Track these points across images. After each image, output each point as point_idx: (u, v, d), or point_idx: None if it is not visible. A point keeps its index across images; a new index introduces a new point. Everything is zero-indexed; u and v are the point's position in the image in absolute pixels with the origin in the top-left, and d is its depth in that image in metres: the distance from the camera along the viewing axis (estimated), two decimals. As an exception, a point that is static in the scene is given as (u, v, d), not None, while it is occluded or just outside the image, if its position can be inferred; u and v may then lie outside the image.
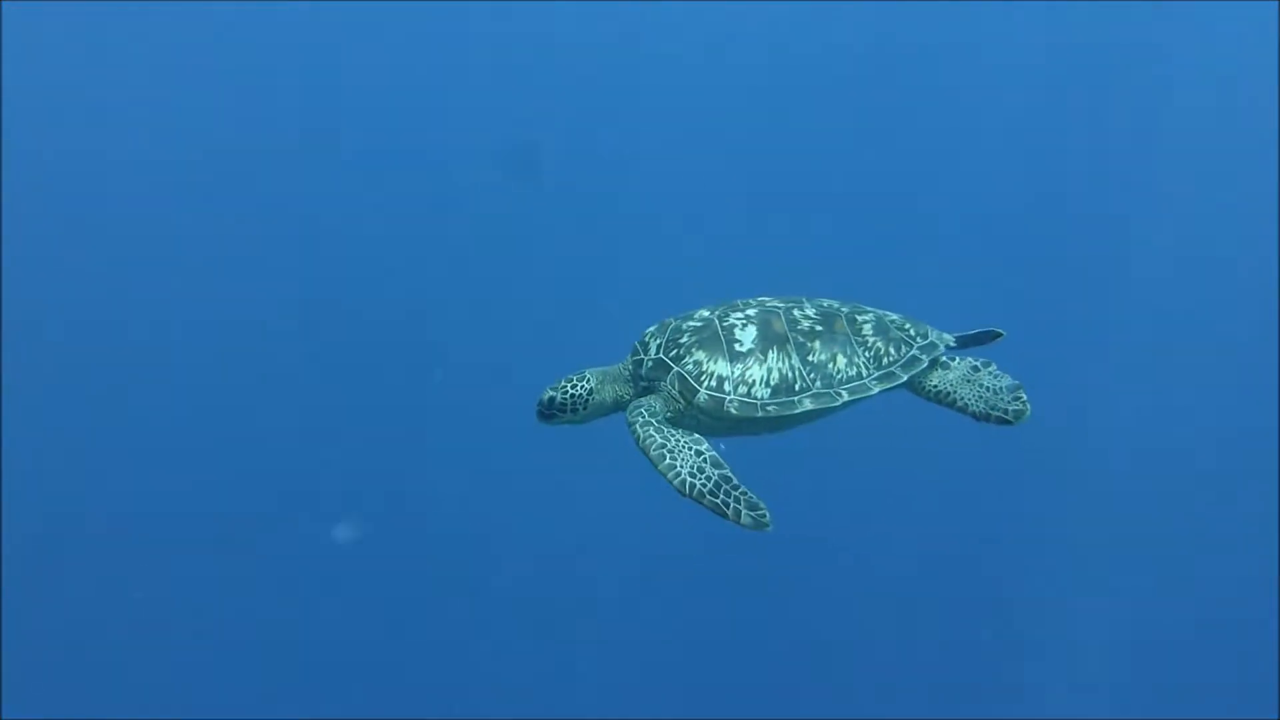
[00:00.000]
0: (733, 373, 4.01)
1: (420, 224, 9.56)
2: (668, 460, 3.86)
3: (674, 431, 3.99)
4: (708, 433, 4.09)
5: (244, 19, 9.74)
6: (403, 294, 9.28)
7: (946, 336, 4.31)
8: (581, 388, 4.16)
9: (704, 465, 3.85)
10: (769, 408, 3.97)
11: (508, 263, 9.31)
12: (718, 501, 3.74)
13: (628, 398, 4.19)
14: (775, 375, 4.01)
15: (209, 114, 9.67)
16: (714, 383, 4.00)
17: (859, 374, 4.07)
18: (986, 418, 4.05)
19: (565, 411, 4.16)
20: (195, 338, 9.12)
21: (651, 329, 4.27)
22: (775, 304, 4.22)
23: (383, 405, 8.81)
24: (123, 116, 9.60)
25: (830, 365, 4.05)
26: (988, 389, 4.12)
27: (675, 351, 4.09)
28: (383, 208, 9.60)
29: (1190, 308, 9.00)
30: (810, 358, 4.04)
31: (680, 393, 4.04)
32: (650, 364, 4.12)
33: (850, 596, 8.02)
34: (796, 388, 4.01)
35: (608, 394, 4.19)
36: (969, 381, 4.17)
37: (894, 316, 4.29)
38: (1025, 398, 4.05)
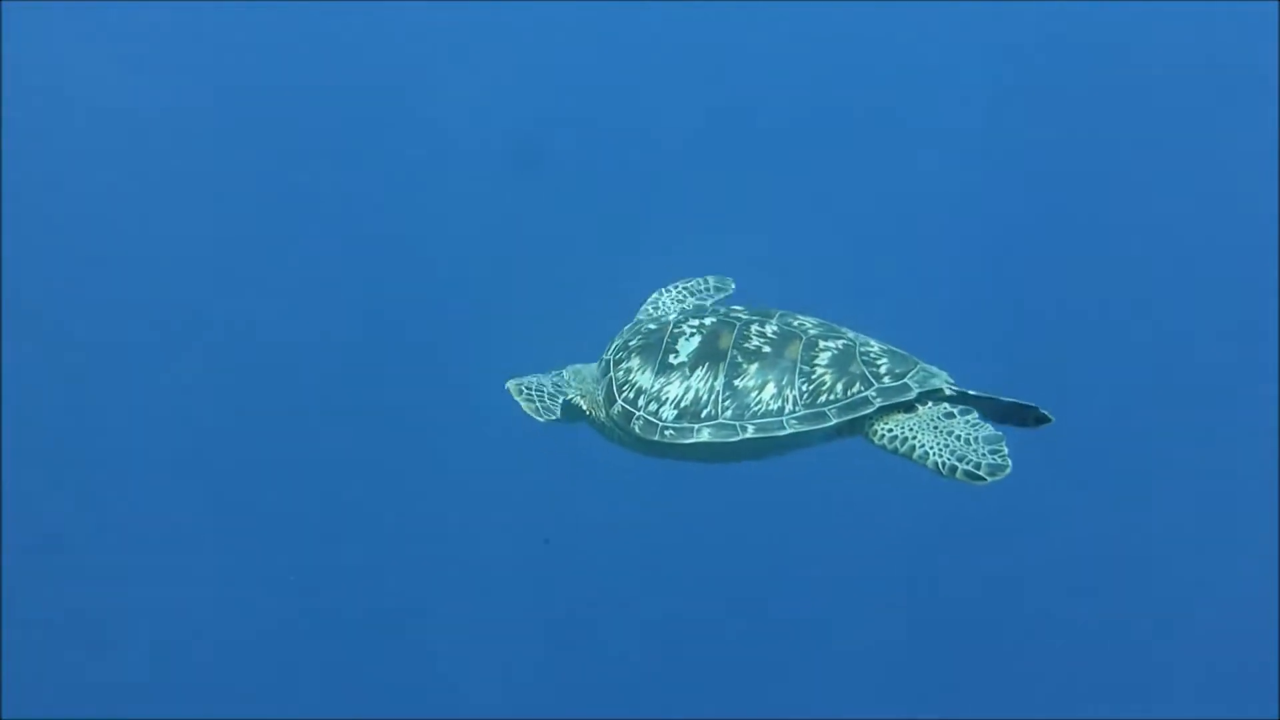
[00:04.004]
0: (653, 387, 3.57)
1: (421, 217, 9.56)
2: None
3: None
4: (630, 450, 3.77)
5: (245, 14, 9.76)
6: (403, 290, 9.27)
7: (937, 381, 3.48)
8: (553, 385, 3.87)
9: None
10: (667, 432, 3.49)
11: (516, 259, 9.29)
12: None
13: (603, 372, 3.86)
14: (690, 396, 3.50)
15: (209, 112, 9.68)
16: (632, 394, 3.61)
17: (780, 409, 3.40)
18: (952, 472, 3.18)
19: (532, 396, 3.89)
20: (196, 338, 9.12)
21: (629, 325, 4.00)
22: (741, 315, 3.71)
23: (384, 407, 8.80)
24: (123, 117, 9.61)
25: (753, 394, 3.44)
26: (959, 438, 3.26)
27: (620, 355, 3.74)
28: (383, 202, 9.61)
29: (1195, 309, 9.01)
30: (737, 382, 3.47)
31: (604, 399, 3.69)
32: (601, 364, 3.81)
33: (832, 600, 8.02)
34: (703, 414, 3.46)
35: (577, 393, 3.86)
36: (935, 428, 3.32)
37: (875, 349, 3.56)
38: (1006, 452, 3.20)
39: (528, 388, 3.70)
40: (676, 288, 4.32)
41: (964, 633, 8.03)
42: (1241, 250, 9.03)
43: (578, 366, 3.95)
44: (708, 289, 4.35)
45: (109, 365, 8.99)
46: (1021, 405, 3.50)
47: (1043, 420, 3.51)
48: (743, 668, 8.15)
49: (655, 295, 4.30)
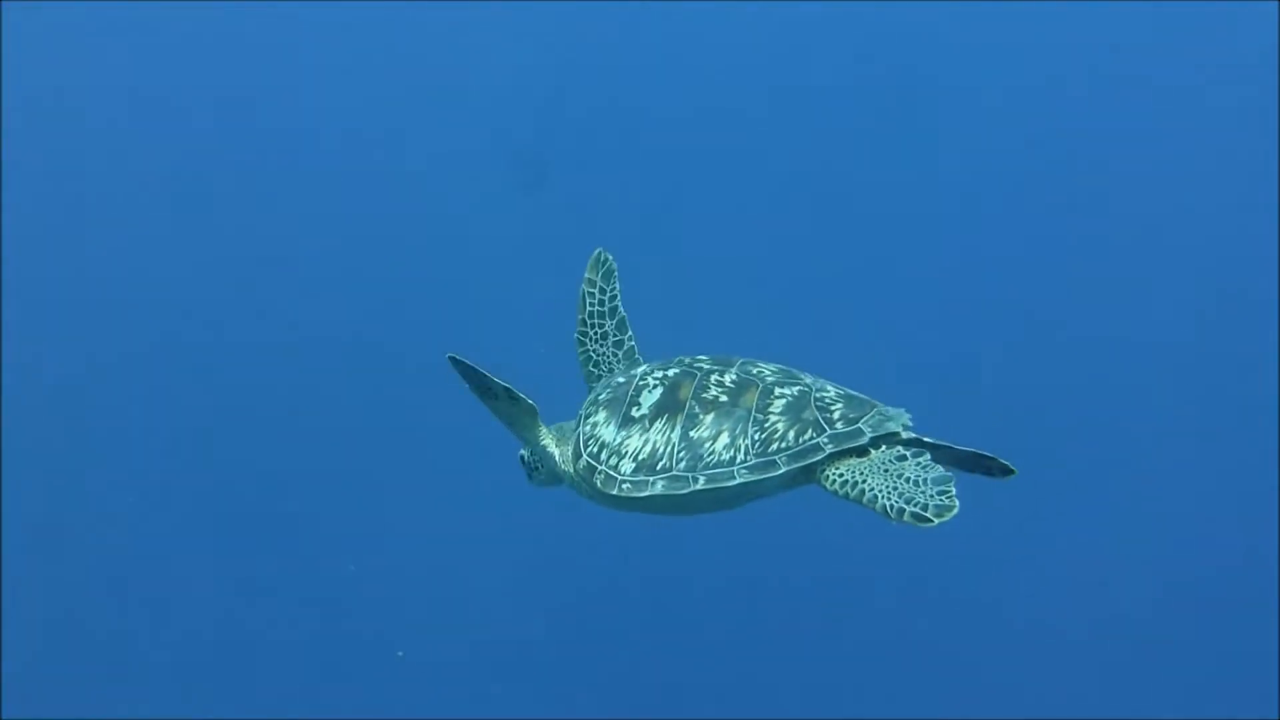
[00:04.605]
0: (615, 440, 3.53)
1: (422, 233, 9.56)
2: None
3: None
4: (601, 505, 3.68)
5: (244, 22, 9.75)
6: (402, 305, 9.26)
7: (893, 425, 3.38)
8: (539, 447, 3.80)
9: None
10: (624, 485, 3.45)
11: (514, 276, 9.27)
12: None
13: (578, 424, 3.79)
14: (648, 449, 3.46)
15: (210, 118, 9.69)
16: (596, 448, 3.56)
17: (732, 459, 3.35)
18: (900, 514, 3.09)
19: (534, 470, 3.93)
20: (195, 339, 9.12)
21: (610, 374, 3.93)
22: (704, 364, 3.62)
23: (384, 413, 8.78)
24: (124, 119, 9.61)
25: (708, 444, 3.40)
26: (908, 480, 3.18)
27: (590, 409, 3.68)
28: (384, 215, 9.60)
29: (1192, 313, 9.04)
30: (693, 433, 3.43)
31: (572, 454, 3.65)
32: (576, 419, 3.74)
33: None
34: (658, 467, 3.42)
35: (553, 440, 3.78)
36: (885, 471, 3.24)
37: (831, 393, 3.47)
38: (954, 493, 3.09)
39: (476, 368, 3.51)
40: (589, 325, 4.12)
41: (966, 634, 8.04)
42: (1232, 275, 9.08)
43: (562, 424, 3.86)
44: (601, 290, 4.13)
45: (108, 364, 8.99)
46: (980, 455, 3.43)
47: (1007, 471, 3.44)
48: (738, 670, 8.17)
49: (581, 349, 4.13)
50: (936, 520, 3.04)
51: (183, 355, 9.05)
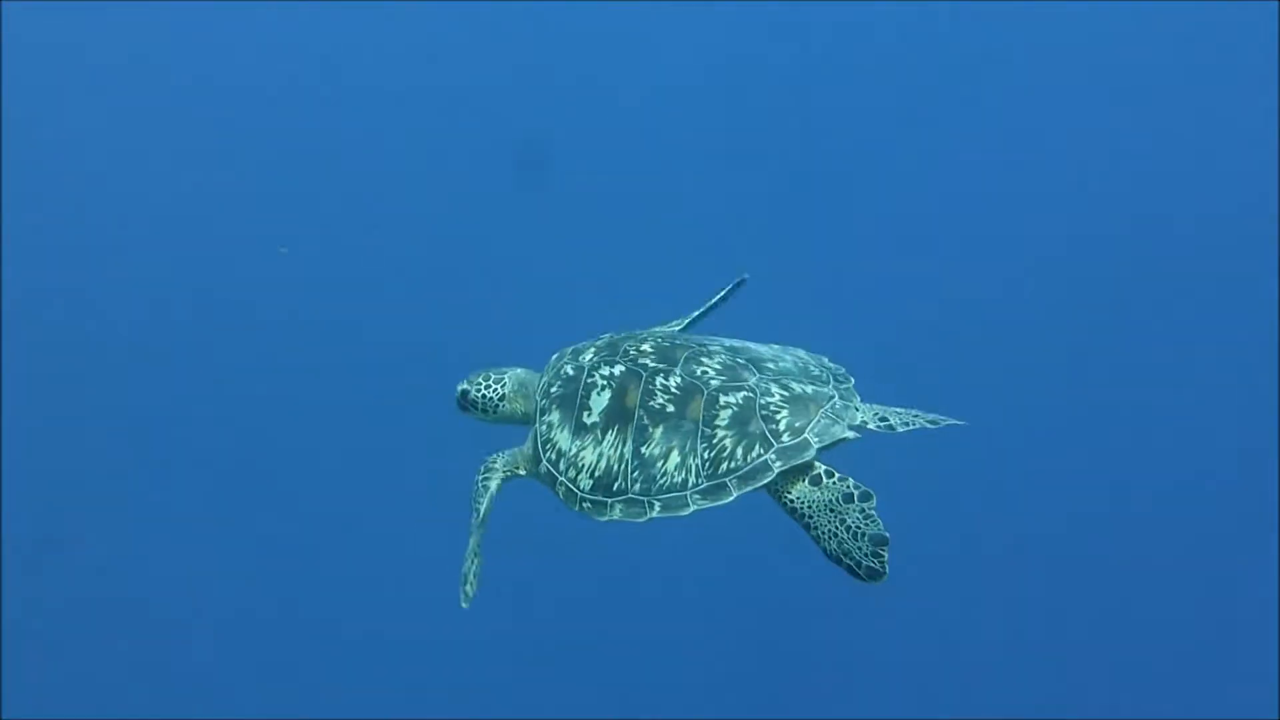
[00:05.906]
0: (570, 449, 3.54)
1: (423, 224, 9.57)
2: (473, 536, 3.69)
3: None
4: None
5: (247, 16, 9.78)
6: (404, 296, 9.27)
7: (839, 431, 3.42)
8: (493, 391, 3.86)
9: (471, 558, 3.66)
10: (585, 504, 3.47)
11: (511, 263, 9.28)
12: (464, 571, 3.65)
13: (534, 416, 3.80)
14: (603, 465, 3.46)
15: (210, 112, 9.70)
16: (554, 456, 3.58)
17: (684, 481, 3.36)
18: (838, 561, 3.27)
19: (475, 409, 3.95)
20: (195, 339, 9.14)
21: (560, 352, 3.91)
22: (649, 360, 3.58)
23: (388, 408, 8.78)
24: (124, 119, 9.63)
25: (660, 464, 3.39)
26: (848, 529, 3.27)
27: (544, 403, 3.69)
28: (386, 208, 9.62)
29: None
30: (644, 449, 3.42)
31: (531, 454, 3.68)
32: (534, 404, 3.78)
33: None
34: (614, 488, 3.42)
35: (518, 406, 3.85)
36: (833, 510, 3.31)
37: (776, 398, 3.45)
38: (886, 558, 3.23)
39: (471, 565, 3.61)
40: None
41: (964, 632, 8.04)
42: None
43: (521, 375, 3.92)
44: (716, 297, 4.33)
45: (107, 365, 9.01)
46: (927, 428, 3.51)
47: (956, 424, 3.54)
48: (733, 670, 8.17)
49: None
50: (867, 581, 3.23)
51: (182, 357, 9.07)
